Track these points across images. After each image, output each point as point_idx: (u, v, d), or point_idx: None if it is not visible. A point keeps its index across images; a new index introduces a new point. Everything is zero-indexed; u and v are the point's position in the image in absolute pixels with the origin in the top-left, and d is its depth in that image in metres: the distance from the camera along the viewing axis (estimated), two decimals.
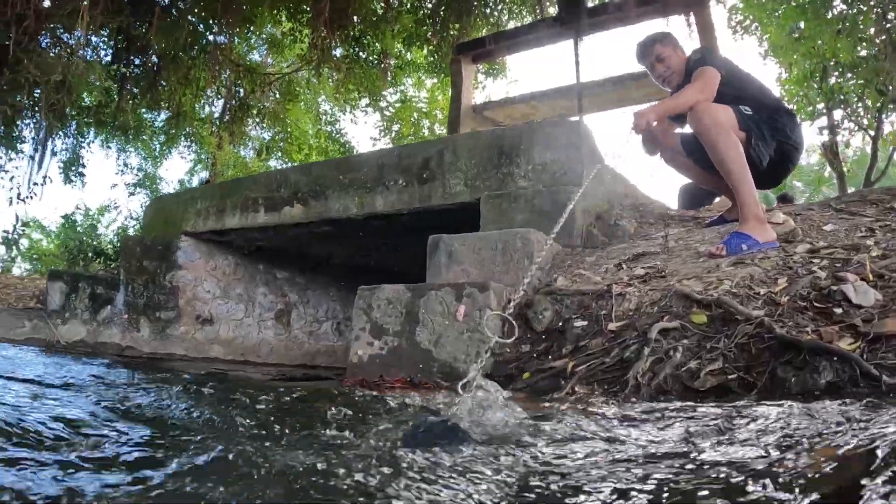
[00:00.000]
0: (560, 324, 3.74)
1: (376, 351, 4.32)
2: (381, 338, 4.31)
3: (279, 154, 20.74)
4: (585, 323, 3.56)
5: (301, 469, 1.35)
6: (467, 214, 5.87)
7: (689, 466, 1.44)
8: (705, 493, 1.20)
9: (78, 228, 21.18)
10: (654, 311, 3.30)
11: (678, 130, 5.41)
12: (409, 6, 17.62)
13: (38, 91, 11.65)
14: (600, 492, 1.28)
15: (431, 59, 18.72)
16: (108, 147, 19.38)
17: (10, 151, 15.38)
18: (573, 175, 5.37)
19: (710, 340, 2.94)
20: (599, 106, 13.77)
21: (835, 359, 2.58)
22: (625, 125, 4.91)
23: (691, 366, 2.83)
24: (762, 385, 2.64)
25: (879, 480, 1.09)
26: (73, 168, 16.86)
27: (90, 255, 16.35)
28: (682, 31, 16.48)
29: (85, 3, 12.45)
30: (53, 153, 16.06)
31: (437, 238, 5.00)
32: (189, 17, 15.32)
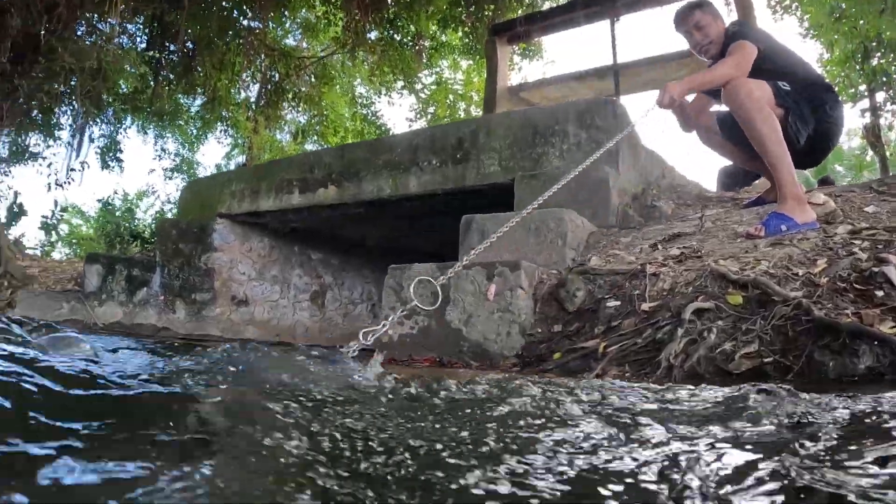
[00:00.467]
0: (593, 304, 3.68)
1: (406, 330, 4.28)
2: (412, 317, 4.27)
3: (315, 137, 20.76)
4: (618, 303, 3.49)
5: None
6: (502, 195, 5.82)
7: None
8: None
9: (116, 213, 21.36)
10: (689, 292, 3.22)
11: (714, 108, 5.29)
12: None
13: (74, 79, 11.74)
14: None
15: (466, 40, 18.57)
16: (145, 133, 19.51)
17: (47, 138, 15.56)
18: (608, 155, 5.28)
19: (746, 322, 2.86)
20: (637, 87, 13.60)
21: (875, 343, 2.49)
22: (651, 99, 4.74)
23: (726, 348, 2.75)
24: (798, 369, 2.56)
25: None
26: (111, 154, 16.99)
27: (127, 238, 16.50)
28: (720, 12, 16.20)
29: None
30: (91, 139, 16.28)
31: (469, 218, 4.95)
32: (222, 3, 15.35)
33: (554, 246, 4.50)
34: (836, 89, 5.48)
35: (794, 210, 4.06)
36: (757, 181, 6.56)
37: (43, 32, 10.65)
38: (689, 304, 3.04)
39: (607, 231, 4.88)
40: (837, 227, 3.82)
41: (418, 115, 21.31)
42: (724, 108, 4.89)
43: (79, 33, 12.02)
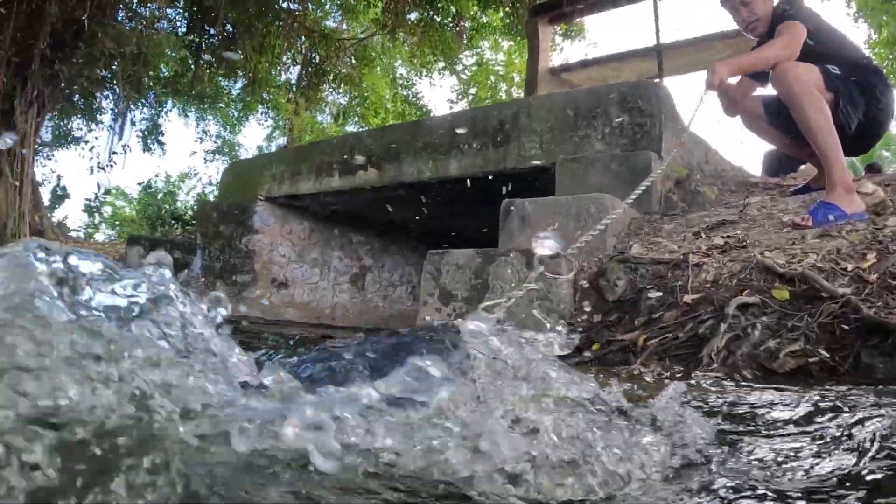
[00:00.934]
0: (634, 294, 3.60)
1: (444, 317, 4.25)
2: (450, 304, 4.24)
3: (356, 119, 20.74)
4: (660, 294, 3.41)
5: None
6: (543, 178, 5.75)
7: None
8: None
9: (158, 195, 21.56)
10: (733, 284, 3.13)
11: (758, 92, 5.15)
12: None
13: (115, 64, 11.83)
14: None
15: (507, 21, 18.39)
16: (186, 116, 19.64)
17: (90, 123, 15.72)
18: (652, 139, 5.20)
19: (792, 319, 2.77)
20: (682, 68, 13.37)
21: None
22: (700, 82, 4.60)
23: (770, 345, 2.67)
24: (845, 370, 2.47)
25: None
26: (152, 137, 17.12)
27: (169, 220, 16.66)
28: None
29: None
30: (132, 123, 16.41)
31: (509, 202, 4.90)
32: None
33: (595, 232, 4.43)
34: (885, 72, 5.29)
35: (842, 199, 3.94)
36: (803, 167, 6.42)
37: (84, 18, 10.73)
38: (733, 297, 2.96)
39: (650, 217, 4.80)
40: (888, 219, 3.70)
41: (459, 97, 21.21)
42: (768, 91, 4.78)
43: (119, 19, 12.09)
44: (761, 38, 4.78)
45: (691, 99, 4.80)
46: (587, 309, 3.73)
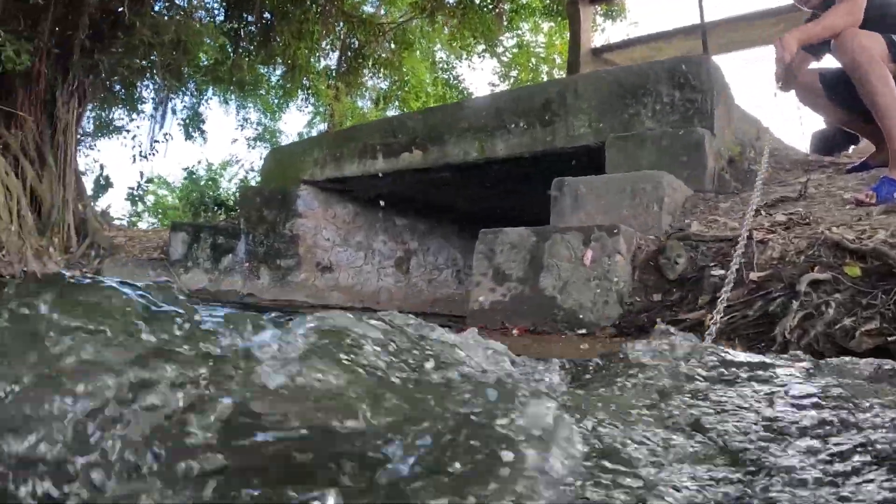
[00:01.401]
0: (695, 272, 3.54)
1: (498, 297, 4.20)
2: (504, 284, 4.19)
3: (397, 103, 20.69)
4: (724, 272, 3.33)
5: None
6: (591, 158, 5.68)
7: None
8: None
9: (200, 182, 21.67)
10: (801, 261, 3.05)
11: (813, 65, 5.03)
12: None
13: (154, 53, 11.89)
14: None
15: (547, 2, 18.20)
16: (227, 103, 19.68)
17: (131, 112, 15.82)
18: (703, 115, 5.11)
19: (866, 296, 2.69)
20: (727, 46, 13.15)
21: None
22: (770, 59, 4.48)
23: (846, 324, 2.59)
24: None
25: None
26: (194, 125, 17.19)
27: (212, 206, 16.78)
28: None
29: None
30: (173, 111, 16.49)
31: (561, 180, 4.84)
32: None
33: (650, 210, 4.37)
34: None
35: None
36: (854, 146, 6.26)
37: (121, 9, 10.79)
38: (803, 274, 2.88)
39: (704, 196, 4.71)
40: None
41: (501, 79, 21.07)
42: (823, 65, 4.66)
43: (157, 8, 12.13)
44: (815, 10, 4.67)
45: (739, 75, 4.69)
46: (647, 288, 3.67)
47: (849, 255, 2.92)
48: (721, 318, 2.90)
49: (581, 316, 3.78)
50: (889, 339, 2.47)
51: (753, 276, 3.14)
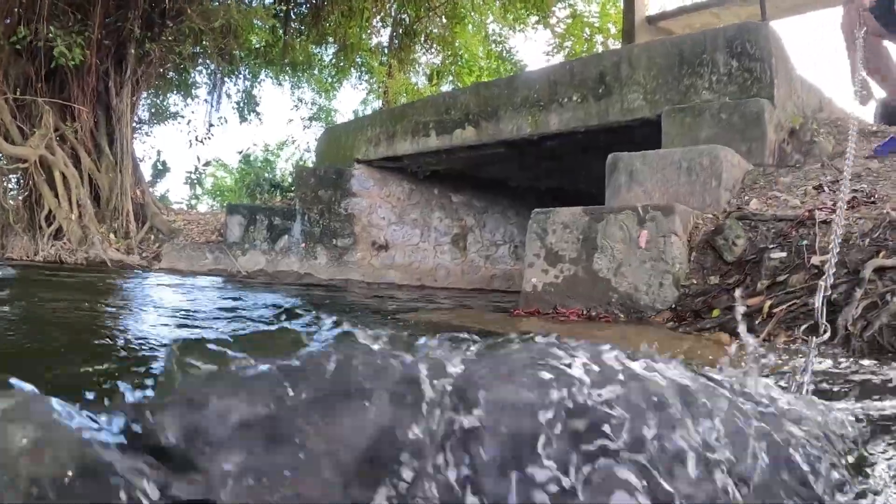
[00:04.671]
0: (754, 254, 3.40)
1: (551, 279, 4.12)
2: (557, 265, 4.11)
3: (450, 78, 20.53)
4: (784, 254, 3.19)
5: None
6: (648, 131, 5.55)
7: None
8: None
9: (258, 164, 21.80)
10: (866, 245, 2.90)
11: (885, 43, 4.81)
12: None
13: (206, 39, 11.98)
14: None
15: None
16: (281, 84, 19.73)
17: (185, 98, 16.01)
18: (763, 85, 4.94)
19: None
20: (786, 10, 12.77)
21: None
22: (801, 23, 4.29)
23: None
24: None
25: None
26: (248, 107, 17.30)
27: (267, 188, 16.91)
28: None
29: None
30: (227, 95, 16.67)
31: (616, 157, 4.72)
32: None
33: (707, 187, 4.24)
34: None
35: None
36: None
37: None
38: (868, 259, 2.74)
39: (764, 170, 4.54)
40: None
41: (555, 50, 20.73)
42: None
43: None
44: None
45: (804, 41, 4.51)
46: (703, 270, 3.55)
47: None
48: (781, 305, 2.78)
49: (636, 299, 3.69)
50: None
51: (815, 259, 3.00)
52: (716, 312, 3.17)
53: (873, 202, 3.36)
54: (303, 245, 8.38)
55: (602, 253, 3.90)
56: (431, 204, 9.00)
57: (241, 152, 21.89)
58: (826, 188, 3.86)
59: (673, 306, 3.50)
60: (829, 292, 2.61)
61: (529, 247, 4.28)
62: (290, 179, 17.24)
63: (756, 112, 4.80)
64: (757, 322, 2.88)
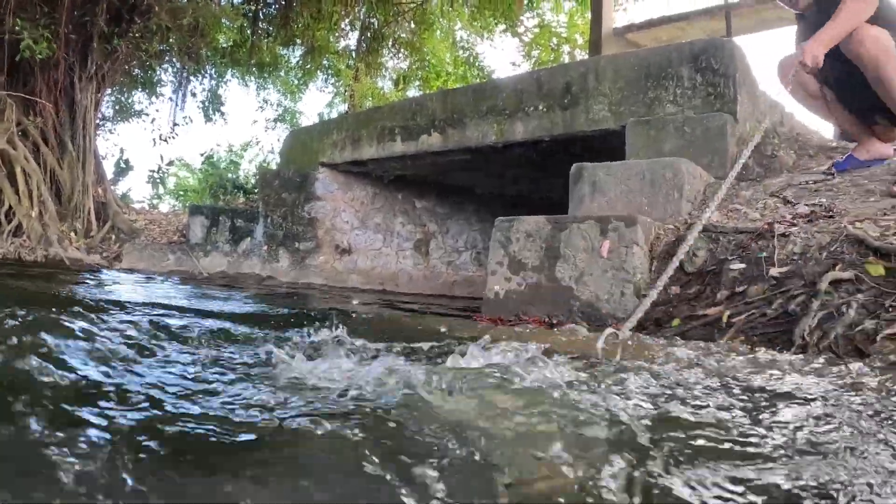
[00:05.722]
0: (714, 265, 3.45)
1: (514, 287, 4.15)
2: (520, 273, 4.14)
3: (417, 83, 20.58)
4: (743, 266, 3.25)
5: None
6: (612, 142, 5.61)
7: None
8: None
9: (220, 165, 21.64)
10: (823, 258, 2.96)
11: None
12: None
13: (173, 37, 11.94)
14: None
15: None
16: (247, 85, 19.64)
17: (150, 96, 15.90)
18: (726, 100, 5.02)
19: (890, 297, 2.60)
20: (751, 27, 12.98)
21: None
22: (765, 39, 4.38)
23: (867, 326, 2.50)
24: None
25: None
26: (213, 107, 17.22)
27: (231, 190, 16.84)
28: None
29: None
30: (193, 94, 16.62)
31: (580, 167, 4.76)
32: None
33: (669, 198, 4.29)
34: None
35: None
36: None
37: None
38: (825, 272, 2.80)
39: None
40: None
41: (524, 58, 20.84)
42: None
43: None
44: (803, 12, 4.58)
45: (765, 58, 4.59)
46: (664, 280, 3.60)
47: (872, 252, 2.83)
48: (740, 315, 2.83)
49: (598, 307, 3.73)
50: None
51: (774, 271, 3.06)
52: (676, 322, 3.21)
53: (832, 216, 3.43)
54: (265, 248, 8.35)
55: (565, 262, 3.93)
56: (395, 209, 9.01)
57: (203, 154, 21.75)
58: (786, 202, 3.93)
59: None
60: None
61: (493, 254, 4.31)
62: (253, 181, 17.18)
63: (719, 126, 4.87)
64: (716, 331, 2.93)
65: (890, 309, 2.53)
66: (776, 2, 4.86)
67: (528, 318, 3.91)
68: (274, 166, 16.80)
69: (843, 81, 4.33)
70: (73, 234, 10.28)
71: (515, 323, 3.86)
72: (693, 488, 1.11)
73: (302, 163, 8.56)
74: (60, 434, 1.07)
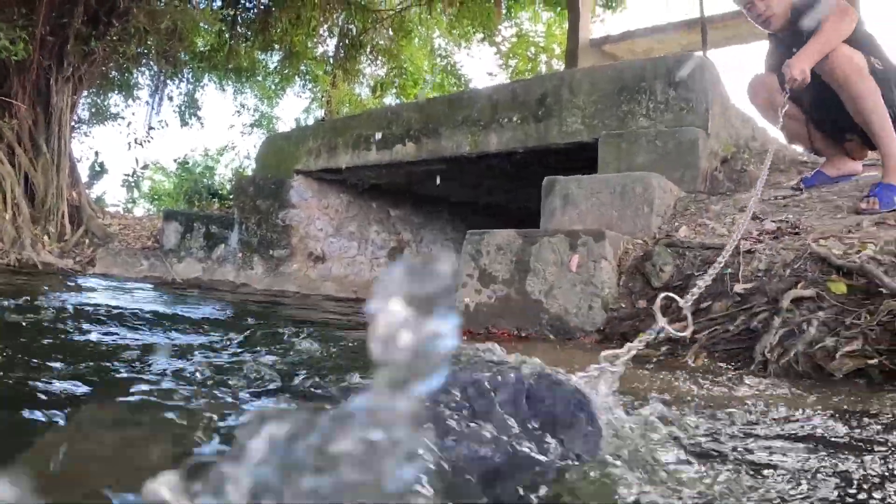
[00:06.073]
0: (681, 280, 3.49)
1: (484, 299, 4.16)
2: (490, 286, 4.15)
3: (394, 91, 20.62)
4: (709, 282, 3.28)
5: None
6: (585, 154, 5.64)
7: None
8: None
9: (196, 169, 21.56)
10: (787, 275, 2.99)
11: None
12: None
13: (151, 39, 11.92)
14: None
15: None
16: (224, 90, 19.58)
17: (127, 98, 15.82)
18: (698, 115, 5.06)
19: (850, 315, 2.62)
20: (726, 40, 13.10)
21: None
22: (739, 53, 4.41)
23: (827, 344, 2.53)
24: None
25: None
26: (190, 111, 17.18)
27: (206, 196, 16.81)
28: None
29: None
30: (169, 98, 16.59)
31: (552, 180, 4.79)
32: None
33: (639, 212, 4.32)
34: None
35: None
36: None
37: None
38: (787, 290, 2.83)
39: (696, 197, 4.65)
40: None
41: (502, 67, 20.91)
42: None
43: None
44: (777, 33, 4.62)
45: (739, 73, 4.63)
46: (632, 294, 3.63)
47: (835, 270, 2.87)
48: (704, 331, 2.85)
49: (566, 320, 3.74)
50: (870, 361, 2.42)
51: (738, 287, 3.09)
52: (642, 335, 3.23)
53: (797, 233, 3.47)
54: (240, 255, 8.33)
55: (535, 275, 3.95)
56: (370, 217, 9.02)
57: (177, 160, 21.67)
58: (753, 217, 3.96)
59: (601, 328, 3.57)
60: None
61: (463, 267, 4.31)
62: (229, 187, 17.14)
63: (690, 140, 4.92)
64: (680, 346, 2.95)
65: (850, 326, 2.56)
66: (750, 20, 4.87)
67: (498, 331, 3.93)
68: (250, 172, 16.75)
69: (816, 100, 4.38)
70: (46, 237, 10.21)
71: (485, 336, 3.87)
72: None
73: (277, 169, 8.55)
74: None
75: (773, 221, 3.79)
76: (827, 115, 4.39)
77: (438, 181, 7.66)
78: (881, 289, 2.65)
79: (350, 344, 2.88)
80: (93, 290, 6.05)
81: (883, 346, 2.45)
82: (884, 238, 3.08)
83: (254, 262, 8.25)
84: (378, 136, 7.32)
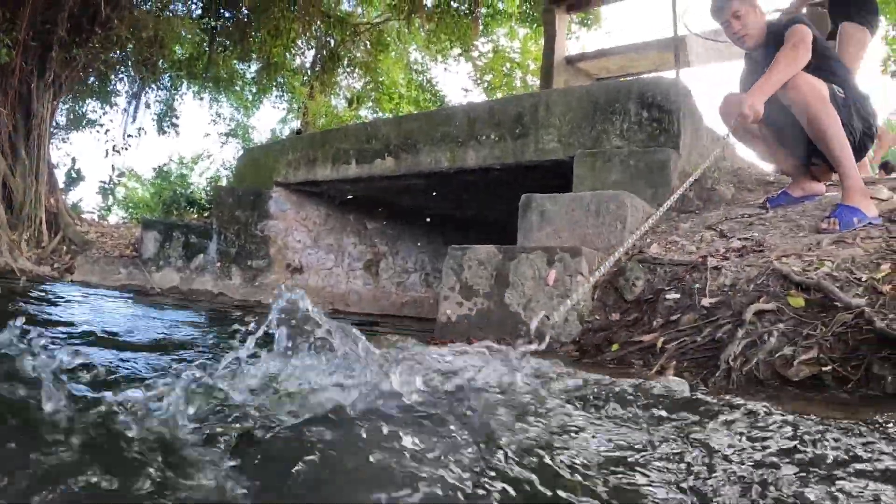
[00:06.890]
0: (652, 294, 3.70)
1: (465, 312, 4.34)
2: (471, 299, 4.33)
3: (370, 104, 20.78)
4: (678, 296, 3.50)
5: None
6: (560, 172, 5.83)
7: None
8: None
9: (171, 178, 21.58)
10: (751, 290, 3.21)
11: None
12: None
13: (131, 47, 12.01)
14: None
15: (524, 8, 18.37)
16: (201, 98, 19.61)
17: (104, 105, 15.83)
18: (670, 135, 5.27)
19: (807, 327, 2.85)
20: (708, 58, 13.32)
21: None
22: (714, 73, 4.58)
23: (786, 353, 2.75)
24: (857, 380, 2.55)
25: None
26: (167, 119, 17.24)
27: (184, 205, 16.86)
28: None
29: None
30: (147, 105, 16.60)
31: (529, 197, 4.97)
32: None
33: (613, 229, 4.51)
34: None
35: (861, 203, 4.01)
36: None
37: (100, 2, 10.90)
38: (750, 304, 3.04)
39: (667, 215, 4.86)
40: None
41: (477, 83, 21.14)
42: None
43: (135, 2, 12.18)
44: (752, 50, 4.81)
45: (711, 92, 4.85)
46: (606, 308, 3.82)
47: (795, 286, 3.08)
48: (673, 342, 3.05)
49: (543, 332, 3.92)
50: (824, 369, 2.63)
51: (705, 301, 3.30)
52: (615, 346, 3.43)
53: (762, 250, 3.68)
54: (218, 264, 8.44)
55: (513, 289, 4.13)
56: (347, 229, 9.16)
57: (156, 168, 21.69)
58: (721, 235, 4.18)
59: (577, 340, 3.76)
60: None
61: (445, 280, 4.49)
62: (205, 195, 17.20)
63: (662, 160, 5.12)
64: (651, 356, 3.15)
65: (807, 337, 2.78)
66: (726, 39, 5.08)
67: (477, 342, 4.09)
68: (225, 181, 16.81)
69: (781, 125, 4.56)
70: (23, 244, 10.24)
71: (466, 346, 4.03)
72: None
73: (256, 181, 8.67)
74: None
75: (740, 239, 4.00)
76: (792, 139, 4.59)
77: (415, 195, 7.82)
78: (836, 303, 2.88)
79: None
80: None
81: (836, 354, 2.67)
82: (840, 256, 3.31)
83: (232, 272, 8.36)
84: (358, 150, 7.48)
